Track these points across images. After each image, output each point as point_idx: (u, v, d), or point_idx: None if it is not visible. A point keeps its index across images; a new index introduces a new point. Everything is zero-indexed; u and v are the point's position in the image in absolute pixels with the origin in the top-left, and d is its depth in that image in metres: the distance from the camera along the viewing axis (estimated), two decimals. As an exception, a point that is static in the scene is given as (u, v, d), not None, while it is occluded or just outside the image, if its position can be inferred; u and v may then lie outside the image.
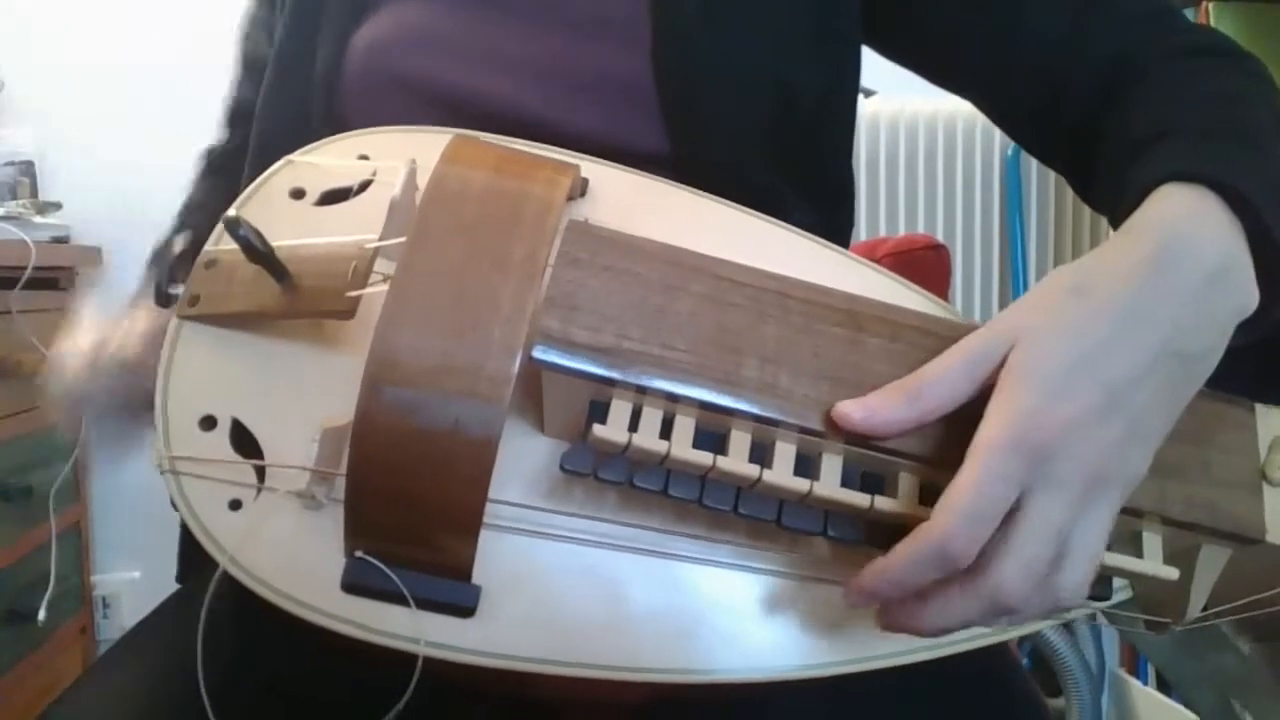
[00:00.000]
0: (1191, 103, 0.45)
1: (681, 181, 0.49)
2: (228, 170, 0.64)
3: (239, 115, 0.67)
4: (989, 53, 0.54)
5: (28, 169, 1.63)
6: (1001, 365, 0.36)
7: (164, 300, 0.45)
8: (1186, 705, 1.15)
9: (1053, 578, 0.35)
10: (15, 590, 1.37)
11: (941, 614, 0.36)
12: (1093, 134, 0.50)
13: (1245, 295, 0.38)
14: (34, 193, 1.63)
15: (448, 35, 0.55)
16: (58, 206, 1.60)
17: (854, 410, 0.37)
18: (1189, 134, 0.42)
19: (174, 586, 0.58)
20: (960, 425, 0.36)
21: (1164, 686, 1.33)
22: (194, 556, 0.54)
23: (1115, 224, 0.42)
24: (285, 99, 0.57)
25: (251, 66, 0.66)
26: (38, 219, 1.52)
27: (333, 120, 0.55)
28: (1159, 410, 0.37)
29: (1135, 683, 1.31)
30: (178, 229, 0.64)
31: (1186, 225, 0.38)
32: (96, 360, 0.51)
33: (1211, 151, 0.40)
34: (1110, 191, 0.44)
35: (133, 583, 1.74)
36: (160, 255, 0.62)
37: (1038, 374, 0.35)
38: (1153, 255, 0.37)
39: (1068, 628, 1.37)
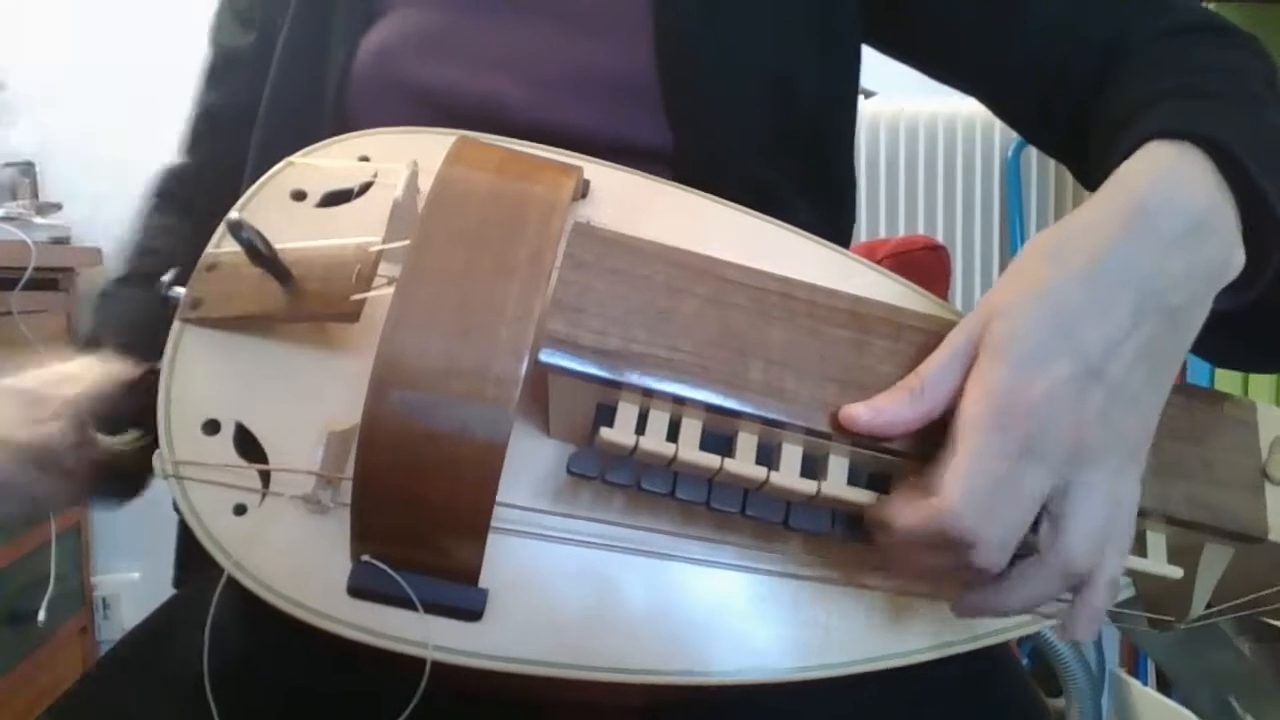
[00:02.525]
0: (1182, 72, 0.45)
1: (684, 178, 0.49)
2: (184, 204, 0.62)
3: (203, 128, 0.64)
4: (989, 42, 0.54)
5: (28, 169, 1.63)
6: None
7: (166, 303, 0.45)
8: (1187, 704, 1.15)
9: (1053, 550, 0.35)
10: (15, 590, 1.37)
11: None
12: (1089, 118, 0.49)
13: (1228, 252, 0.37)
14: (34, 193, 1.63)
15: (452, 38, 0.55)
16: (58, 207, 1.59)
17: (862, 412, 0.37)
18: (1177, 97, 0.42)
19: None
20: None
21: (1164, 686, 1.33)
22: (192, 560, 0.54)
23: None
24: (291, 102, 0.57)
25: (221, 65, 0.64)
26: (38, 219, 1.51)
27: (341, 125, 0.54)
28: (1147, 371, 0.36)
29: (1135, 683, 1.31)
30: (126, 274, 0.60)
31: (1167, 177, 0.37)
32: None
33: (1198, 110, 0.40)
34: (1102, 165, 0.44)
35: (133, 583, 1.74)
36: (104, 300, 0.59)
37: (1011, 348, 0.35)
38: (1129, 209, 0.37)
39: (1068, 627, 1.36)
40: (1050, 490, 0.35)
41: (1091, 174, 0.50)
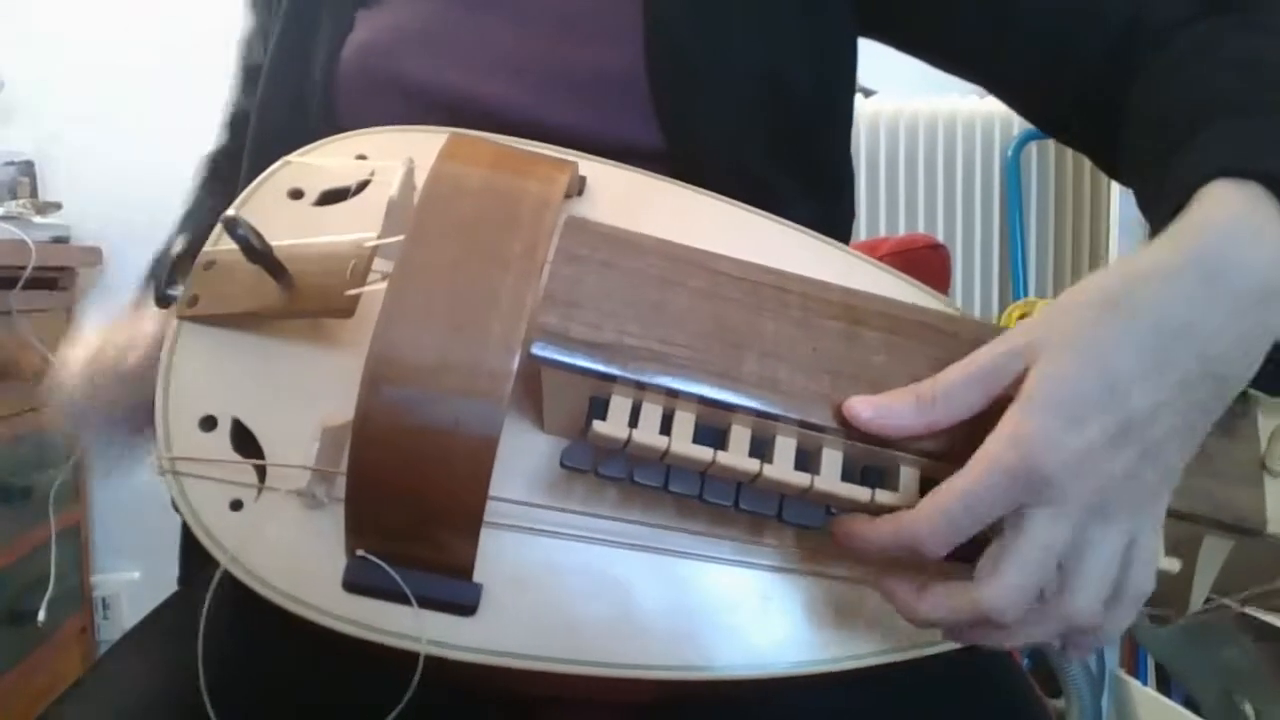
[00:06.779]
0: (1222, 71, 0.42)
1: (678, 176, 0.49)
2: (229, 175, 0.64)
3: (238, 121, 0.67)
4: (989, 22, 0.52)
5: (28, 169, 1.63)
6: (1019, 378, 0.35)
7: (163, 302, 0.45)
8: (1188, 703, 1.15)
9: (1057, 600, 0.35)
10: (15, 590, 1.37)
11: (933, 609, 0.36)
12: (1113, 107, 0.48)
13: None
14: (34, 193, 1.63)
15: (442, 35, 0.55)
16: (58, 206, 1.60)
17: (864, 409, 0.37)
18: (1229, 116, 0.39)
19: (174, 587, 0.58)
20: (969, 426, 0.36)
21: (1164, 687, 1.33)
22: (196, 558, 0.54)
23: (1153, 221, 0.39)
24: (282, 100, 0.57)
25: (249, 75, 0.66)
26: (38, 219, 1.52)
27: (329, 121, 0.55)
28: (1182, 434, 0.35)
29: (1135, 683, 1.31)
30: (177, 234, 0.63)
31: (1239, 235, 0.35)
32: (95, 373, 0.50)
33: (1259, 139, 0.38)
34: (1150, 184, 0.41)
35: (133, 583, 1.74)
36: (160, 260, 0.62)
37: (1053, 398, 0.34)
38: (1203, 266, 0.34)
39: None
40: (1068, 543, 0.34)
41: (1124, 173, 0.48)
